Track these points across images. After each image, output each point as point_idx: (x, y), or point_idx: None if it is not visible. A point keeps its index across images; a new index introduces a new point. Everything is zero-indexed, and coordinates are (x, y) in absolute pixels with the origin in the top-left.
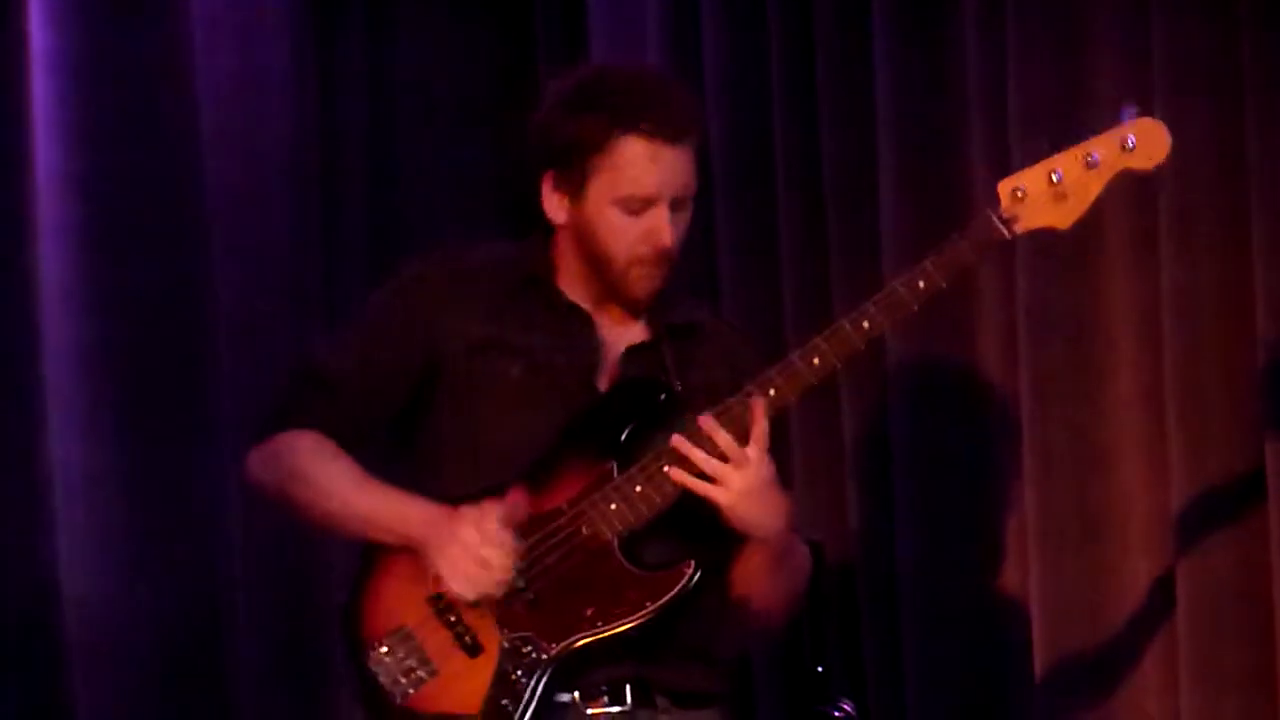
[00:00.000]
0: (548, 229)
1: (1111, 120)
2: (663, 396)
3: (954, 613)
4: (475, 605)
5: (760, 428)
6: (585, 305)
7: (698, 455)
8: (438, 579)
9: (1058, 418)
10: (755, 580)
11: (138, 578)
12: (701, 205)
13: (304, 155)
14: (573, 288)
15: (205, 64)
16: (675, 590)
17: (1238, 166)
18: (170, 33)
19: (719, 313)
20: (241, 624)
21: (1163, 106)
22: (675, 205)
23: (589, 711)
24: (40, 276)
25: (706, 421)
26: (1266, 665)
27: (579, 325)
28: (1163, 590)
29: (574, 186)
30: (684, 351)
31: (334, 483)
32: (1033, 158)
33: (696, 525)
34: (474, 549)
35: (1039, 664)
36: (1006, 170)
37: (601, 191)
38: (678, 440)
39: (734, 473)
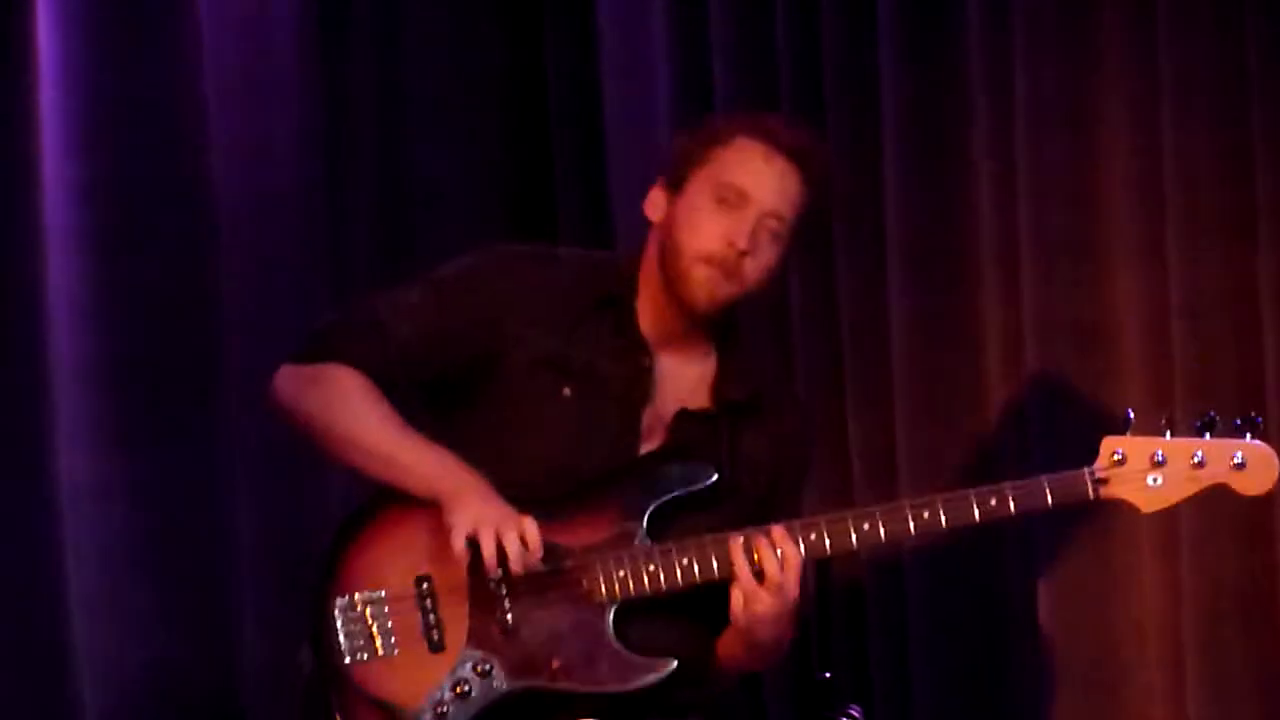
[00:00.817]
0: (639, 249)
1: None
2: (707, 483)
3: (961, 620)
4: (455, 598)
5: (794, 562)
6: (652, 339)
7: (742, 568)
8: (430, 556)
9: (1065, 424)
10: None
11: (144, 587)
12: None
13: (312, 162)
14: (647, 314)
15: (213, 71)
16: (645, 682)
17: (1245, 169)
18: (178, 40)
19: (786, 375)
20: (249, 635)
21: (1169, 108)
22: (767, 228)
23: None
24: (47, 284)
25: (779, 536)
26: (1274, 671)
27: (639, 358)
28: (1170, 596)
29: (679, 180)
30: (738, 427)
31: (380, 422)
32: (1039, 161)
33: (698, 621)
34: (501, 514)
35: (1045, 671)
36: (1012, 173)
37: (702, 181)
38: (734, 546)
39: (766, 596)
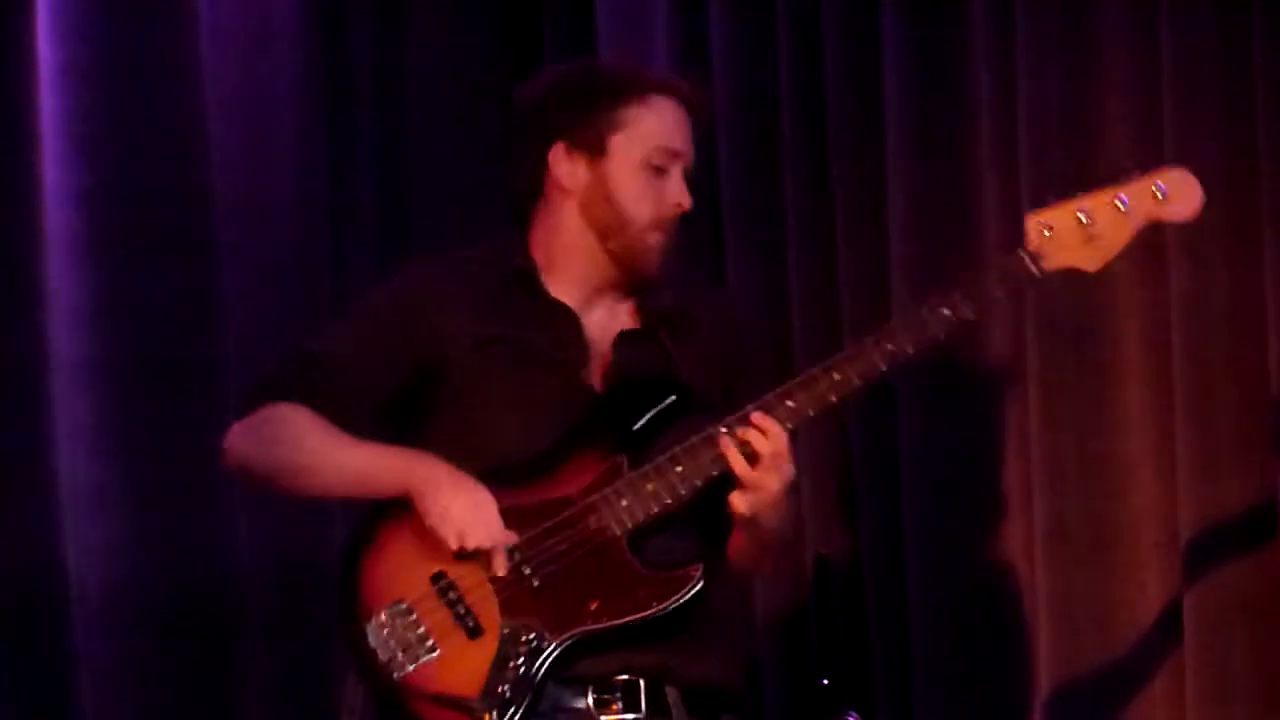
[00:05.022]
0: (523, 224)
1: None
2: (677, 391)
3: (962, 624)
4: (477, 581)
5: (782, 437)
6: (570, 302)
7: (735, 458)
8: (438, 552)
9: (1066, 428)
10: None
11: (147, 589)
12: (708, 202)
13: (312, 167)
14: (557, 282)
15: (213, 76)
16: (683, 593)
17: (1248, 171)
18: (178, 45)
19: (693, 279)
20: (251, 635)
21: (1172, 109)
22: (687, 175)
23: (603, 718)
24: (48, 290)
25: (758, 418)
26: (1275, 678)
27: (566, 322)
28: (1171, 601)
29: (594, 145)
30: (675, 334)
31: (326, 443)
32: (1042, 162)
33: (704, 525)
34: (467, 499)
35: (1047, 676)
36: (1015, 171)
37: (631, 147)
38: (724, 441)
39: (762, 476)
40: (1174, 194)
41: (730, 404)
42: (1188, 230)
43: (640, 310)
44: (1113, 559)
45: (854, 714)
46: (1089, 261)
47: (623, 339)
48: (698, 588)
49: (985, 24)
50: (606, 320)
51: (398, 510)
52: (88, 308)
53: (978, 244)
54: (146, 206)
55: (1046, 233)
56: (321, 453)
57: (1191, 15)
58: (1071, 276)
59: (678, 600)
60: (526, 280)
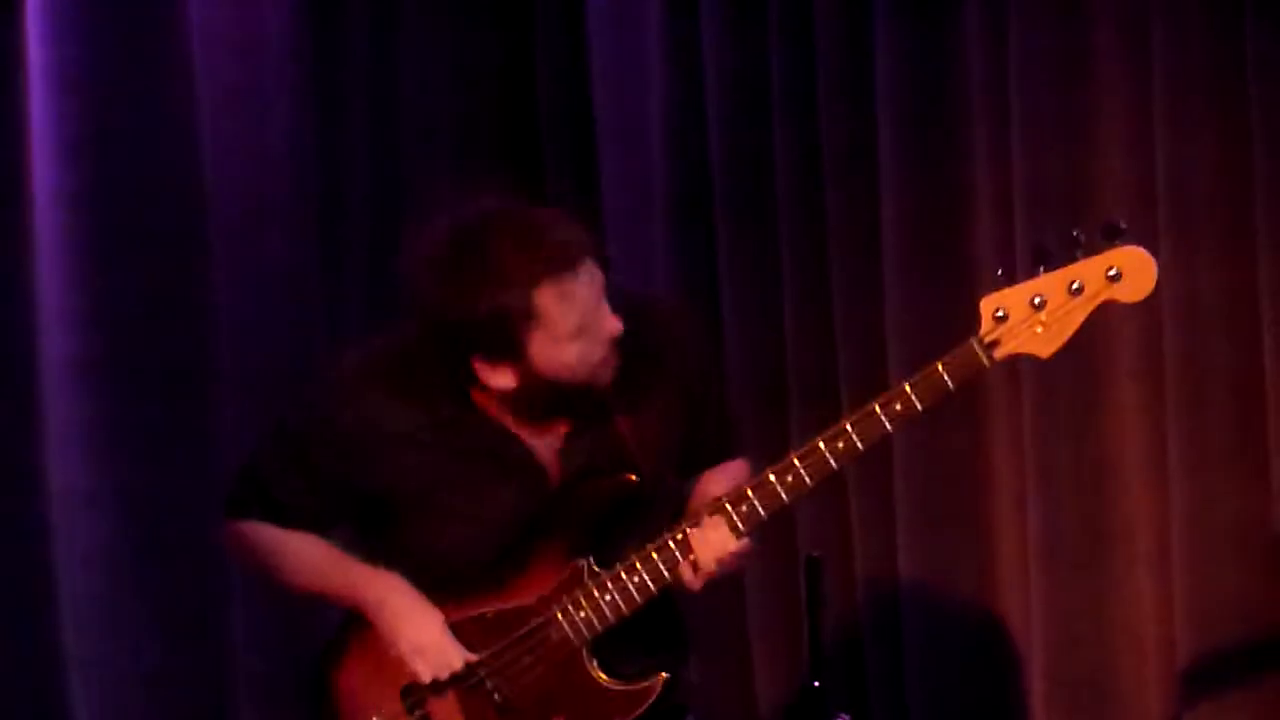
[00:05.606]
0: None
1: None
2: (629, 487)
3: (955, 628)
4: (443, 697)
5: (732, 545)
6: (506, 421)
7: (685, 570)
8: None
9: (1061, 432)
10: None
11: (136, 592)
12: (702, 209)
13: (305, 169)
14: (492, 406)
15: (205, 79)
16: (649, 704)
17: (1241, 170)
18: (170, 48)
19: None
20: (240, 639)
21: (1164, 110)
22: (603, 297)
23: None
24: (39, 292)
25: (709, 521)
26: (1270, 680)
27: (509, 443)
28: (1165, 609)
29: (514, 355)
30: (625, 398)
31: (297, 562)
32: (1034, 161)
33: (662, 621)
34: (415, 624)
35: (1040, 679)
36: (1008, 172)
37: (546, 344)
38: (683, 567)
39: (711, 578)
40: (1128, 274)
41: (699, 435)
42: (1181, 234)
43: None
44: (1106, 562)
45: (846, 716)
46: (1041, 347)
47: (574, 427)
48: (658, 697)
49: (978, 27)
50: (540, 428)
51: (365, 621)
52: (79, 309)
53: (970, 244)
54: (138, 208)
55: (999, 315)
56: (293, 575)
57: (1183, 16)
58: (1023, 362)
59: (638, 711)
60: (466, 416)
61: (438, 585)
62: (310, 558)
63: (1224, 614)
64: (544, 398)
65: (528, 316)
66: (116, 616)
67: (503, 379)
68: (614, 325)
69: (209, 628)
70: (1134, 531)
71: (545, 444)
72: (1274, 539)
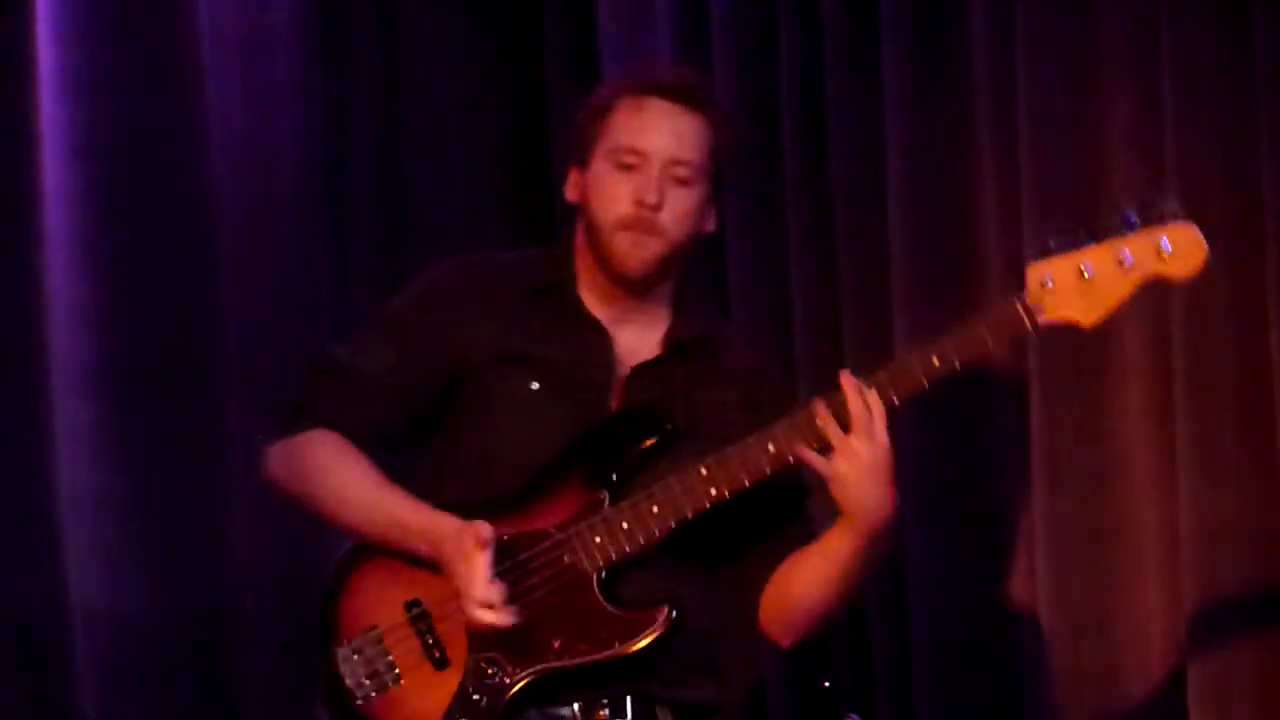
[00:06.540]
0: (571, 235)
1: (1118, 218)
2: (664, 431)
3: (963, 626)
4: (447, 612)
5: (881, 412)
6: (603, 318)
7: (831, 425)
8: (416, 580)
9: (1067, 430)
10: (825, 569)
11: (146, 594)
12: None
13: (313, 169)
14: (592, 297)
15: (214, 78)
16: (645, 634)
17: (1249, 172)
18: (177, 47)
19: (733, 326)
20: (249, 639)
21: (1172, 110)
22: (674, 176)
23: None
24: (48, 291)
25: (848, 380)
26: (1277, 680)
27: (595, 340)
28: (1172, 604)
29: (584, 157)
30: (695, 370)
31: (352, 488)
32: (1043, 165)
33: (685, 565)
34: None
35: (1048, 678)
36: (1016, 174)
37: (603, 151)
38: (818, 406)
39: (858, 444)
40: (1178, 250)
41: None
42: None
43: (667, 338)
44: (1114, 560)
45: (855, 715)
46: (1085, 315)
47: (640, 370)
48: (660, 632)
49: (985, 29)
50: (634, 344)
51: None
52: (88, 310)
53: (978, 247)
54: (146, 208)
55: (1047, 283)
56: (343, 505)
57: (1192, 17)
58: (1066, 330)
59: (639, 641)
60: (562, 293)
61: (470, 510)
62: (366, 487)
63: (1231, 612)
64: (605, 276)
65: (603, 120)
66: (127, 617)
67: (575, 187)
68: (651, 193)
69: (219, 627)
70: (1141, 530)
71: (625, 357)
72: None
